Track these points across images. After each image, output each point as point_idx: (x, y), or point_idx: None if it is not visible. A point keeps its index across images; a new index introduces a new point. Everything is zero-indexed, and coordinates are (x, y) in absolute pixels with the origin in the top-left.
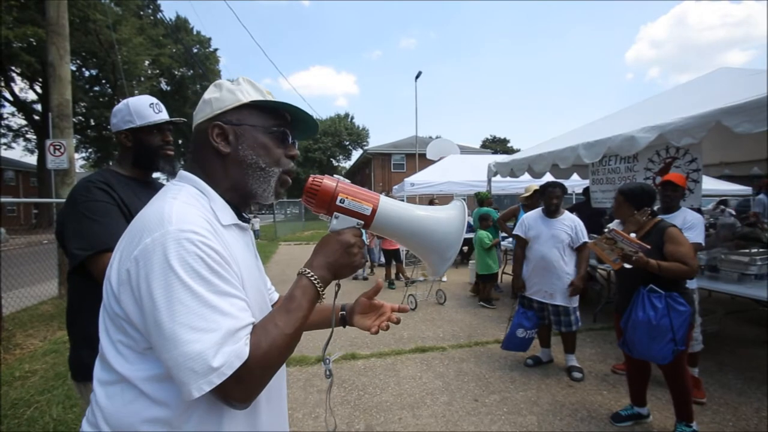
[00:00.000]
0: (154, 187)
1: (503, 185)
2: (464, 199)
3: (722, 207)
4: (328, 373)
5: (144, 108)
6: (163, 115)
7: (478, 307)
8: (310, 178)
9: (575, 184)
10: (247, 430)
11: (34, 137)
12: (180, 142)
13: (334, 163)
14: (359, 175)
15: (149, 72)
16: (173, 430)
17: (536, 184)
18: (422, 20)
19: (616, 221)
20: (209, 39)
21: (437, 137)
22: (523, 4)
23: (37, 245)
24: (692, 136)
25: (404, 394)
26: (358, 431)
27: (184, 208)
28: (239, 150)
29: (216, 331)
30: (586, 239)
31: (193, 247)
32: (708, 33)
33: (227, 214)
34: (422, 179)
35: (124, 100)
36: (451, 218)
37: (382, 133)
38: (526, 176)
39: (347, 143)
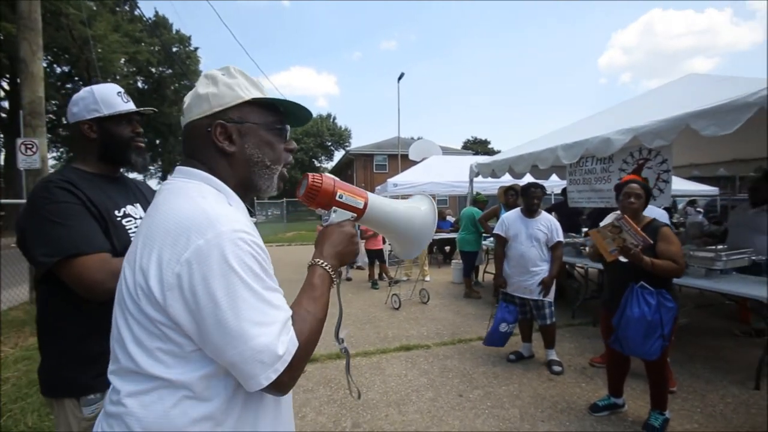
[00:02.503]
0: (124, 183)
1: (485, 185)
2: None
3: (695, 208)
4: (343, 351)
5: (111, 96)
6: (131, 105)
7: (461, 305)
8: (310, 177)
9: (554, 184)
10: (275, 420)
11: (0, 135)
12: (158, 140)
13: (316, 163)
14: (341, 175)
15: (125, 70)
16: (218, 428)
17: (506, 185)
18: (402, 22)
19: (612, 214)
20: (189, 37)
21: (419, 138)
22: (502, 9)
23: (6, 248)
24: (663, 138)
25: (390, 391)
26: (345, 429)
27: (223, 208)
28: (245, 149)
29: (275, 323)
30: (561, 239)
31: (247, 247)
32: (675, 41)
33: (243, 211)
34: (405, 180)
35: (86, 88)
36: (426, 211)
37: (364, 133)
38: (507, 177)
39: (329, 144)
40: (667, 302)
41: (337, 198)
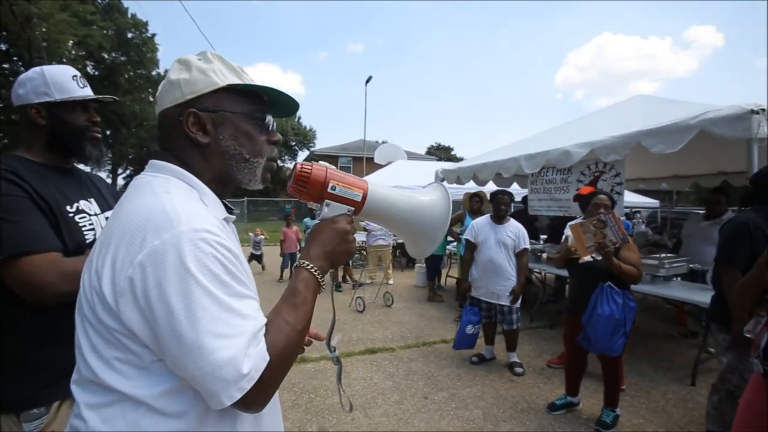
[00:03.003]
0: (77, 176)
1: (449, 191)
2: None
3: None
4: (335, 361)
5: (66, 79)
6: (88, 91)
7: (425, 308)
8: (298, 166)
9: (514, 192)
10: (254, 430)
11: None
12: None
13: (279, 163)
14: None
15: (74, 53)
16: None
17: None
18: (370, 27)
19: (579, 219)
20: (146, 23)
21: (384, 142)
22: (467, 21)
23: None
24: (617, 153)
25: (356, 395)
26: None
27: (188, 205)
28: (220, 140)
29: (241, 335)
30: (527, 246)
31: (209, 248)
32: (623, 63)
33: (218, 208)
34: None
35: (36, 68)
36: (438, 201)
37: (330, 135)
38: (471, 183)
39: (293, 143)
40: (630, 302)
41: (329, 190)
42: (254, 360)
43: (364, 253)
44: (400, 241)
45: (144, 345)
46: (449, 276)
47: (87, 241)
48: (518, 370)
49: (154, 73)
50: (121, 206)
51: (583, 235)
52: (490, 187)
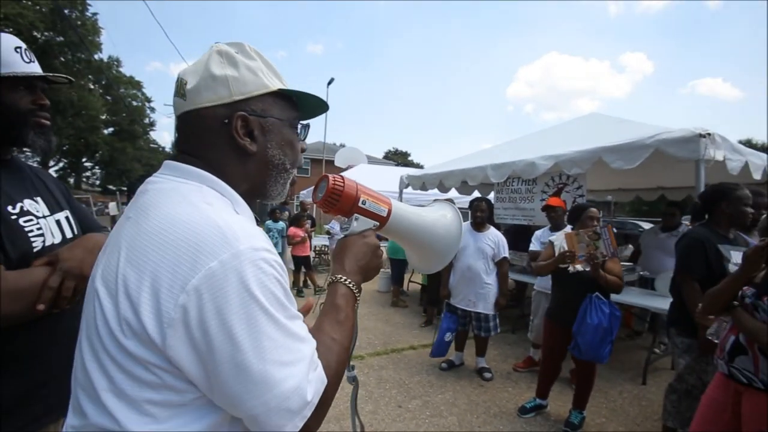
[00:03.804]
0: (19, 170)
1: (411, 197)
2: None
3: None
4: (351, 380)
5: (7, 51)
6: (36, 67)
7: (389, 314)
8: (330, 179)
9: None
10: None
11: None
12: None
13: None
14: None
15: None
16: None
17: (441, 198)
18: (330, 29)
19: (568, 228)
20: (85, 1)
21: (342, 145)
22: (426, 29)
23: None
24: (580, 167)
25: None
26: None
27: (238, 220)
28: (267, 149)
29: (302, 360)
30: (506, 255)
31: (270, 269)
32: (567, 81)
33: (251, 220)
34: None
35: None
36: (453, 220)
37: None
38: (435, 190)
39: None
40: (615, 311)
41: (360, 204)
42: (315, 385)
43: (327, 257)
44: None
45: (189, 381)
46: (412, 281)
47: (35, 250)
48: (487, 375)
49: (96, 57)
50: (144, 214)
51: (577, 244)
52: (452, 194)
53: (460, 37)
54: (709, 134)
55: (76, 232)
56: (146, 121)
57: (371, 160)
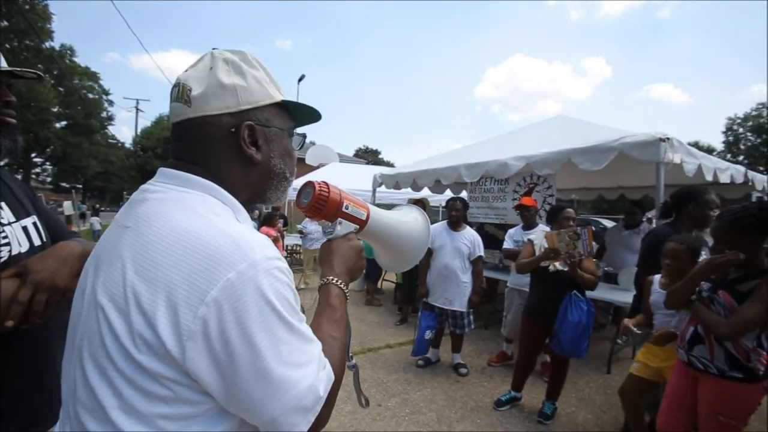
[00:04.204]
0: None
1: (384, 196)
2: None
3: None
4: (353, 367)
5: None
6: (1, 61)
7: (364, 313)
8: (316, 186)
9: (445, 198)
10: None
11: None
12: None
13: None
14: None
15: None
16: None
17: (415, 197)
18: (299, 24)
19: (542, 226)
20: None
21: (312, 143)
22: (396, 28)
23: None
24: (550, 168)
25: None
26: None
27: (247, 230)
28: (270, 158)
29: (313, 360)
30: (482, 254)
31: (283, 276)
32: (531, 83)
33: (251, 228)
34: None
35: None
36: (423, 224)
37: None
38: (408, 189)
39: None
40: (591, 308)
41: (343, 209)
42: (325, 382)
43: (299, 256)
44: None
45: (204, 392)
46: (386, 280)
47: (1, 260)
48: (463, 370)
49: (47, 45)
50: (146, 224)
51: (557, 243)
52: (425, 193)
53: (430, 37)
54: (668, 139)
55: (45, 240)
56: (104, 114)
57: (342, 158)
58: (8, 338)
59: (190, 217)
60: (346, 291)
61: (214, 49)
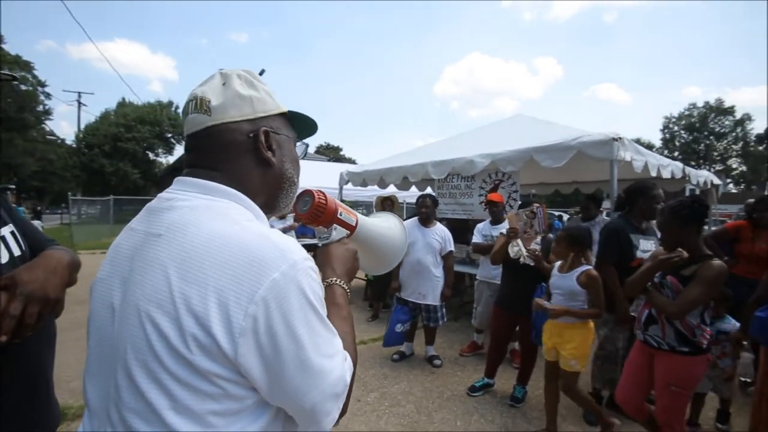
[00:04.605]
0: None
1: (350, 193)
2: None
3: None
4: None
5: None
6: None
7: None
8: (315, 195)
9: (413, 194)
10: None
11: None
12: None
13: (151, 156)
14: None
15: None
16: None
17: (384, 194)
18: (254, 17)
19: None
20: None
21: None
22: (354, 27)
23: None
24: (514, 165)
25: None
26: None
27: (279, 233)
28: (283, 163)
29: (339, 351)
30: (452, 248)
31: (316, 276)
32: (489, 81)
33: None
34: None
35: None
36: (402, 231)
37: None
38: (375, 186)
39: (170, 135)
40: None
41: (338, 216)
42: (348, 371)
43: None
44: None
45: (250, 387)
46: (356, 277)
47: None
48: (437, 362)
49: None
50: (181, 232)
51: (518, 222)
52: (391, 190)
53: (388, 34)
54: (620, 138)
55: (24, 249)
56: (40, 108)
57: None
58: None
59: (228, 224)
60: (348, 292)
61: (221, 69)
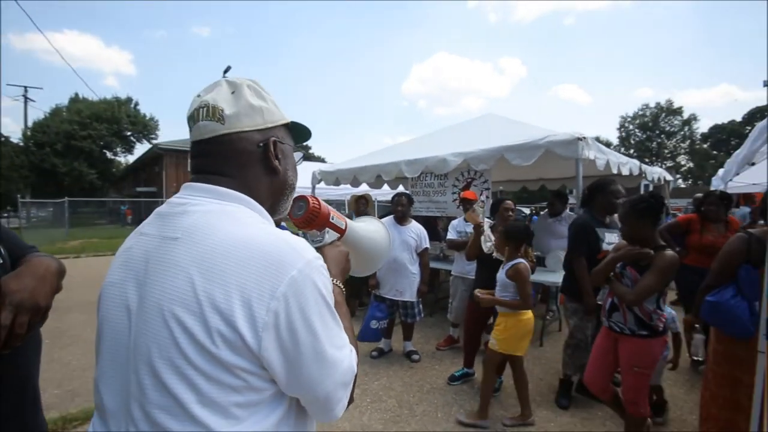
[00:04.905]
0: None
1: (323, 192)
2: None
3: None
4: None
5: None
6: None
7: None
8: (310, 200)
9: (385, 192)
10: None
11: None
12: None
13: (109, 155)
14: (145, 172)
15: None
16: None
17: (358, 194)
18: (218, 11)
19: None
20: None
21: None
22: (323, 24)
23: None
24: (486, 163)
25: None
26: None
27: (291, 234)
28: (287, 170)
29: (347, 344)
30: (428, 246)
31: (327, 273)
32: (455, 80)
33: None
34: None
35: None
36: (386, 234)
37: (177, 127)
38: (347, 185)
39: (129, 133)
40: (532, 290)
41: (330, 219)
42: (355, 361)
43: None
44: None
45: (269, 379)
46: None
47: None
48: (415, 357)
49: None
50: (201, 236)
51: (478, 217)
52: (363, 189)
53: (355, 33)
54: (584, 138)
55: (3, 256)
56: None
57: None
58: None
59: (245, 227)
60: (343, 291)
61: (224, 77)
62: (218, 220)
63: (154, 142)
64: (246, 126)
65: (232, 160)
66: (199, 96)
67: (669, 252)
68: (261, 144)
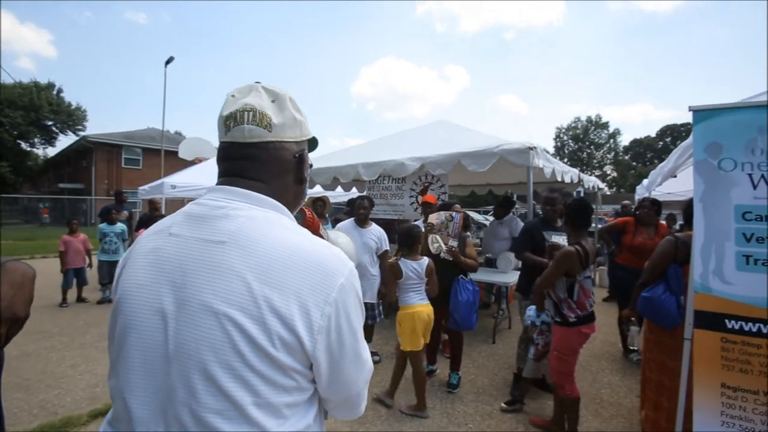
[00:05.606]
0: None
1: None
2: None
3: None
4: None
5: None
6: None
7: None
8: (308, 212)
9: (336, 194)
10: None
11: None
12: None
13: (25, 146)
14: (70, 167)
15: None
16: None
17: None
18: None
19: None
20: None
21: (178, 133)
22: (269, 21)
23: None
24: (443, 168)
25: None
26: None
27: (329, 243)
28: (306, 180)
29: (366, 345)
30: (388, 248)
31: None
32: (403, 85)
33: None
34: (184, 181)
35: None
36: (351, 244)
37: (108, 119)
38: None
39: (51, 124)
40: (476, 287)
41: (320, 231)
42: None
43: None
44: None
45: (311, 380)
46: None
47: None
48: (375, 358)
49: None
50: (250, 242)
51: (435, 219)
52: (317, 190)
53: (302, 30)
54: (534, 147)
55: None
56: None
57: None
58: None
59: (290, 233)
60: None
61: (258, 82)
62: (264, 226)
63: (82, 134)
64: (288, 137)
65: (272, 167)
66: (234, 96)
67: (568, 248)
68: (297, 155)
